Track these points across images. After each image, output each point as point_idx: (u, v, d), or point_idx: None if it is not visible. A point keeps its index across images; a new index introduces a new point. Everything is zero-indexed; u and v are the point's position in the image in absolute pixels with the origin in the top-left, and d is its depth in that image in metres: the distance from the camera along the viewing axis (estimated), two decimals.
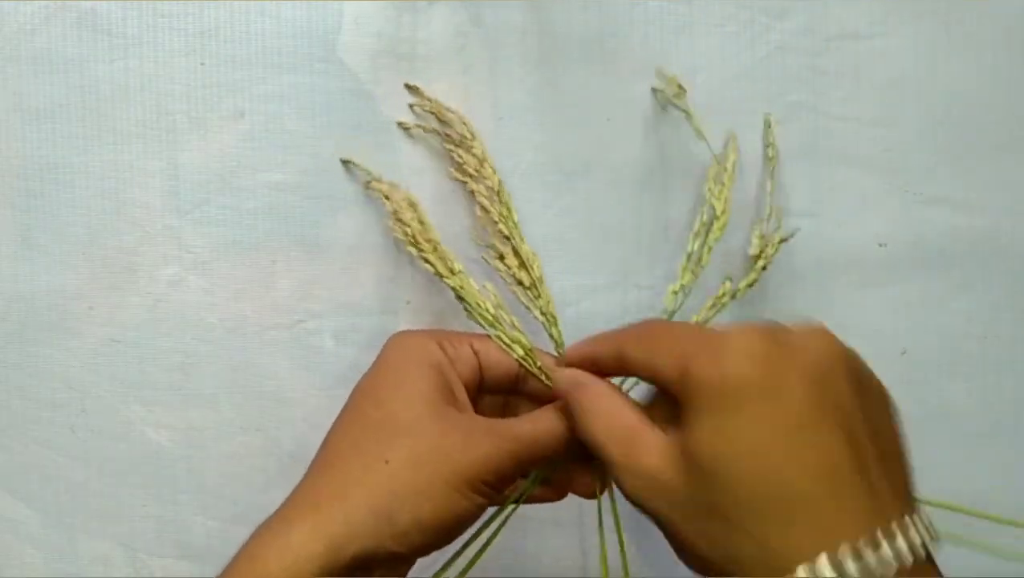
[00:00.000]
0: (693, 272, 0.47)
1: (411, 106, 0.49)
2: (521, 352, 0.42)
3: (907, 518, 0.29)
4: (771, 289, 0.51)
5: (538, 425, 0.37)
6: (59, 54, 0.48)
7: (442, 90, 0.50)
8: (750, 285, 0.48)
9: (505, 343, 0.42)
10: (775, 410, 0.29)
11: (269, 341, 0.50)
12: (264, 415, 0.50)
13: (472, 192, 0.47)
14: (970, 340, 0.52)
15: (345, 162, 0.48)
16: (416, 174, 0.50)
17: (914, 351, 0.52)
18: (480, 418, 0.39)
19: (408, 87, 0.48)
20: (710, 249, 0.47)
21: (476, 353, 0.41)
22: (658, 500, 0.31)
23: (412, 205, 0.47)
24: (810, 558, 0.27)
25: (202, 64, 0.49)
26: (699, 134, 0.49)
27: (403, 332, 0.42)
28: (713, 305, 0.47)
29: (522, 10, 0.50)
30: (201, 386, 0.50)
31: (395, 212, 0.46)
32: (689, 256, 0.47)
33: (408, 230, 0.45)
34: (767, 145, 0.50)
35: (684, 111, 0.48)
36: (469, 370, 0.40)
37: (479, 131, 0.50)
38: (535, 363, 0.42)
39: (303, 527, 0.36)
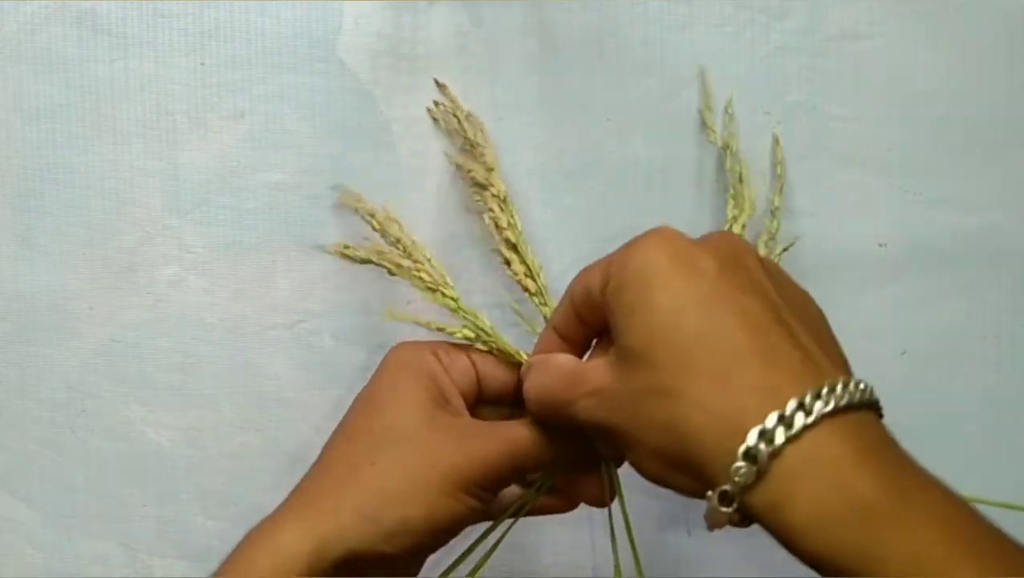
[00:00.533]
0: None
1: (436, 103, 0.49)
2: (518, 360, 0.42)
3: (850, 379, 0.29)
4: None
5: (531, 427, 0.37)
6: (59, 54, 0.48)
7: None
8: None
9: (503, 353, 0.42)
10: (690, 284, 0.30)
11: (269, 341, 0.50)
12: (264, 415, 0.50)
13: (480, 200, 0.47)
14: (970, 340, 0.52)
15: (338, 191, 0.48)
16: (416, 174, 0.50)
17: (914, 351, 0.52)
18: (473, 421, 0.39)
19: (437, 83, 0.48)
20: None
21: (474, 363, 0.41)
22: (607, 409, 0.32)
23: (396, 222, 0.47)
24: (758, 419, 0.27)
25: (202, 64, 0.49)
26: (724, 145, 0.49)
27: (401, 343, 0.42)
28: None
29: (522, 10, 0.50)
30: (201, 386, 0.50)
31: (382, 232, 0.46)
32: None
33: (397, 251, 0.45)
34: (776, 163, 0.50)
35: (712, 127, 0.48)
36: (466, 379, 0.40)
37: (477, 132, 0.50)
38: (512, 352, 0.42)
39: (292, 528, 0.36)
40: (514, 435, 0.37)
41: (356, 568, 0.35)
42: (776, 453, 0.27)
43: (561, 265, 0.51)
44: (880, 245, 0.52)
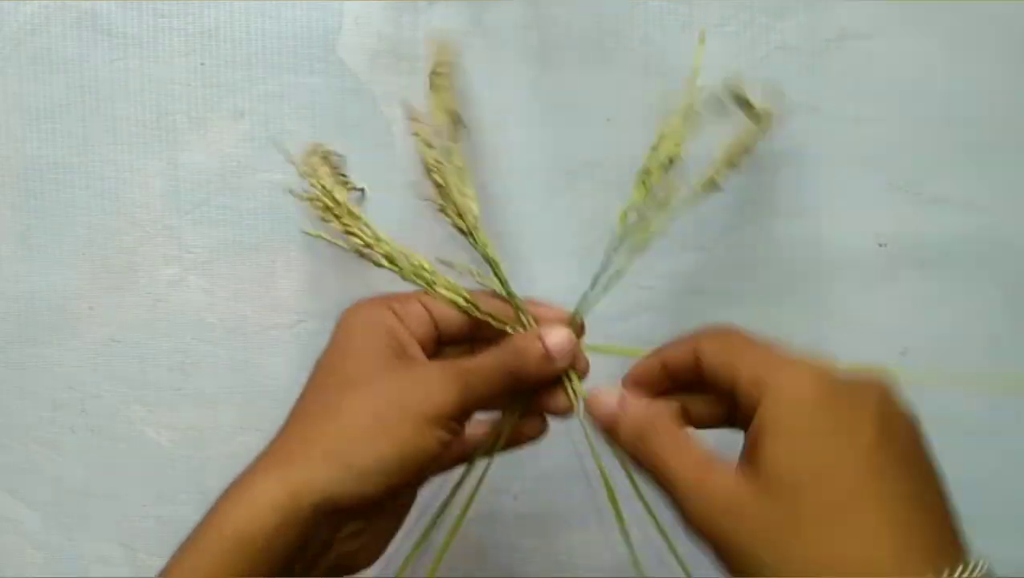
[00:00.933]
0: (645, 185, 0.44)
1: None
2: (462, 301, 0.42)
3: (969, 566, 0.30)
4: (771, 289, 0.51)
5: (487, 357, 0.38)
6: (59, 54, 0.48)
7: None
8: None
9: (446, 295, 0.42)
10: (848, 439, 0.31)
11: (269, 341, 0.50)
12: (264, 415, 0.50)
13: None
14: (970, 340, 0.52)
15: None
16: (415, 172, 0.50)
17: (914, 351, 0.52)
18: (432, 362, 0.40)
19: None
20: (664, 167, 0.45)
21: (427, 308, 0.41)
22: (727, 519, 0.31)
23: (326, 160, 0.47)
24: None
25: (202, 64, 0.49)
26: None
27: (356, 302, 0.42)
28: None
29: (522, 10, 0.50)
30: (201, 386, 0.50)
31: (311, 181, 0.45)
32: (642, 173, 0.44)
33: (326, 204, 0.45)
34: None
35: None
36: (423, 326, 0.41)
37: (478, 131, 0.50)
38: (478, 308, 0.42)
39: (264, 478, 0.36)
40: (472, 365, 0.38)
41: (335, 514, 0.36)
42: None
43: (560, 264, 0.51)
44: (880, 245, 0.52)
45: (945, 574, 0.29)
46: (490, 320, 0.42)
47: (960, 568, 0.29)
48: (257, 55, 0.49)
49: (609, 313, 0.51)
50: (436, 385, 0.37)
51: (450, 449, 0.38)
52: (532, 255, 0.51)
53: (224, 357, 0.50)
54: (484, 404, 0.38)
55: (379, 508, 0.37)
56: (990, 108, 0.52)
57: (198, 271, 0.49)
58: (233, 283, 0.50)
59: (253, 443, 0.50)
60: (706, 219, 0.51)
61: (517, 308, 0.43)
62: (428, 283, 0.43)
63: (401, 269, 0.44)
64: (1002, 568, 0.53)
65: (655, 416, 0.35)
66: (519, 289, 0.50)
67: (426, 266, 0.44)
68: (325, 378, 0.39)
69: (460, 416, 0.38)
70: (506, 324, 0.42)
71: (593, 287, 0.43)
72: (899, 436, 0.32)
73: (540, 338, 0.39)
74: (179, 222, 0.49)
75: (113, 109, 0.49)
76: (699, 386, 0.36)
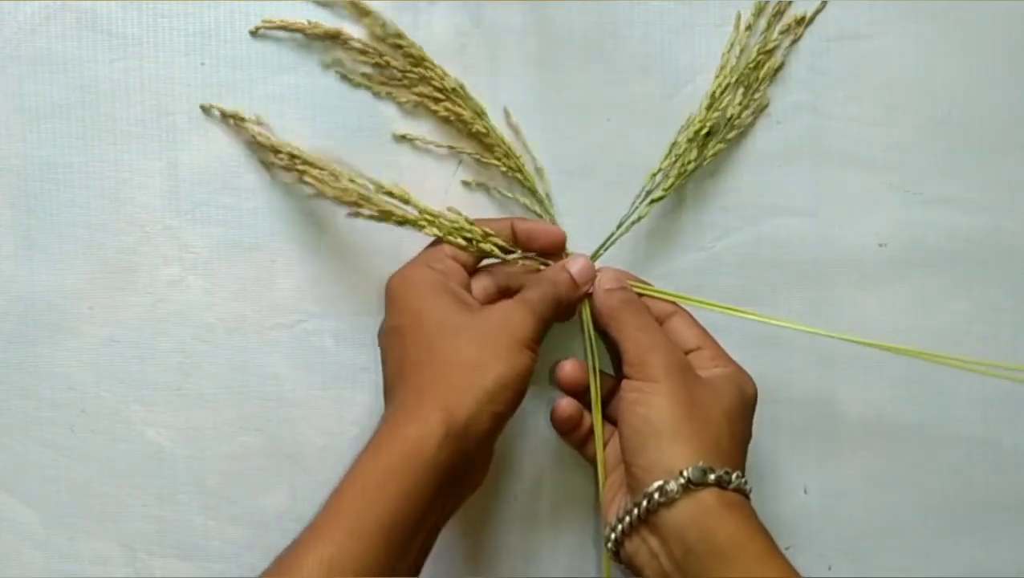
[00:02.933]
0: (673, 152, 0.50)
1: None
2: (486, 244, 0.47)
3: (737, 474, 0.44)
4: (771, 289, 0.51)
5: (536, 290, 0.46)
6: (59, 54, 0.48)
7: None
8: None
9: (469, 241, 0.47)
10: (747, 413, 0.47)
11: (269, 341, 0.50)
12: (264, 415, 0.50)
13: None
14: (970, 340, 0.52)
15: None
16: (417, 174, 0.50)
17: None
18: (504, 301, 0.46)
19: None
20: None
21: (455, 259, 0.47)
22: (675, 369, 0.45)
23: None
24: (718, 464, 0.43)
25: (202, 64, 0.49)
26: None
27: (398, 273, 0.47)
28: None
29: (522, 10, 0.50)
30: (201, 386, 0.50)
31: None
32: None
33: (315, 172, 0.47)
34: None
35: None
36: (458, 275, 0.47)
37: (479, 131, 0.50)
38: (497, 247, 0.48)
39: (423, 406, 0.42)
40: (530, 297, 0.46)
41: (478, 433, 0.42)
42: (699, 484, 0.42)
43: None
44: (880, 245, 0.52)
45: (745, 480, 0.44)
46: (522, 261, 0.48)
47: (730, 473, 0.43)
48: (257, 55, 0.49)
49: None
50: (519, 316, 0.44)
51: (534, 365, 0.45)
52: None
53: (224, 357, 0.50)
54: (545, 327, 0.46)
55: (500, 430, 0.44)
56: (990, 108, 0.52)
57: (198, 271, 0.49)
58: (233, 283, 0.50)
59: (253, 443, 0.50)
60: (706, 219, 0.51)
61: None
62: (448, 232, 0.47)
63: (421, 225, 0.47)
64: (1002, 568, 0.53)
65: (635, 299, 0.48)
66: None
67: (448, 217, 0.48)
68: (414, 337, 0.44)
69: (538, 339, 0.45)
70: (537, 263, 0.48)
71: (618, 228, 0.50)
72: (749, 410, 0.47)
73: (565, 268, 0.48)
74: (179, 222, 0.49)
75: (113, 109, 0.49)
76: None
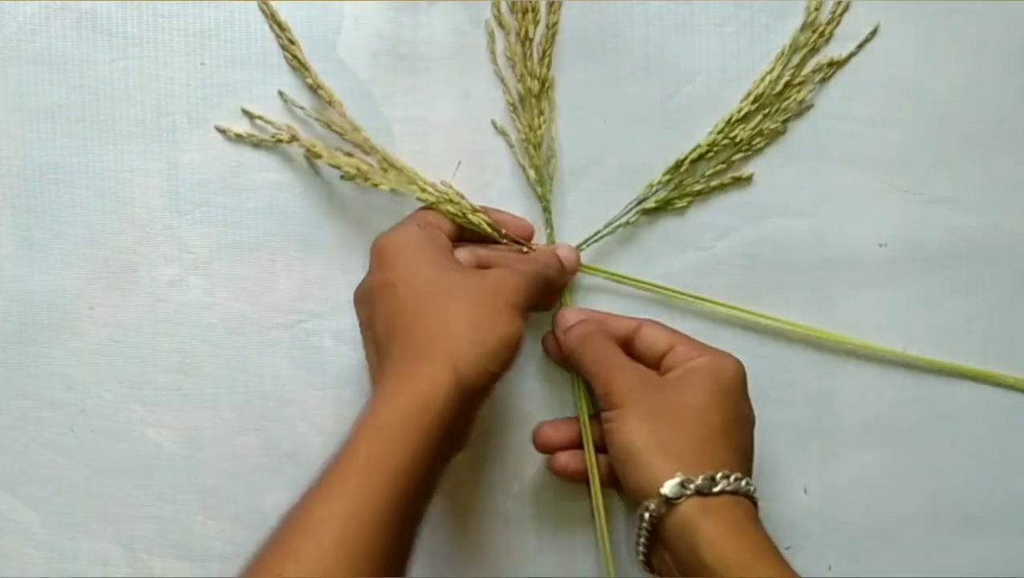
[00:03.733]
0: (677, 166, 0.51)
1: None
2: (475, 217, 0.48)
3: (737, 474, 0.44)
4: (771, 289, 0.51)
5: (526, 265, 0.47)
6: (59, 54, 0.48)
7: (442, 90, 0.50)
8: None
9: (460, 213, 0.48)
10: (729, 401, 0.46)
11: (269, 341, 0.50)
12: (264, 415, 0.50)
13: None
14: (970, 340, 0.52)
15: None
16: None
17: (914, 351, 0.52)
18: (496, 268, 0.47)
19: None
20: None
21: (439, 226, 0.47)
22: (643, 390, 0.45)
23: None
24: (712, 468, 0.43)
25: (202, 64, 0.49)
26: None
27: (385, 234, 0.46)
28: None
29: (522, 10, 0.50)
30: (201, 386, 0.50)
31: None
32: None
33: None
34: None
35: None
36: (446, 241, 0.47)
37: (479, 131, 0.50)
38: (485, 222, 0.48)
39: (431, 363, 0.41)
40: (523, 269, 0.46)
41: (480, 389, 0.42)
42: (700, 492, 0.43)
43: None
44: (880, 245, 0.52)
45: (748, 479, 0.44)
46: (491, 232, 0.48)
47: (740, 474, 0.44)
48: (257, 55, 0.49)
49: (610, 311, 0.51)
50: (511, 282, 0.44)
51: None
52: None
53: (224, 357, 0.50)
54: (531, 304, 0.46)
55: (490, 393, 0.44)
56: (990, 108, 0.52)
57: (198, 271, 0.49)
58: (233, 283, 0.50)
59: (253, 443, 0.50)
60: (706, 219, 0.51)
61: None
62: (444, 200, 0.47)
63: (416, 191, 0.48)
64: (1002, 568, 0.53)
65: (596, 329, 0.48)
66: None
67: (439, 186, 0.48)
68: (409, 290, 0.43)
69: (528, 308, 0.45)
70: (520, 247, 0.49)
71: (605, 227, 0.51)
72: (751, 426, 0.47)
73: (554, 252, 0.49)
74: (179, 222, 0.49)
75: (113, 109, 0.49)
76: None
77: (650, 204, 0.50)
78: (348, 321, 0.50)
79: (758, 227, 0.51)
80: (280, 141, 0.48)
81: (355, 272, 0.50)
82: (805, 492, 0.52)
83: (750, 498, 0.44)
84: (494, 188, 0.50)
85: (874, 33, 0.51)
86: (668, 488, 0.42)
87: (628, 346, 0.48)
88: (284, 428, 0.50)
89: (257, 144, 0.49)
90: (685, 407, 0.45)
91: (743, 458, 0.46)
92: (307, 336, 0.50)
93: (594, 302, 0.51)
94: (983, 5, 0.52)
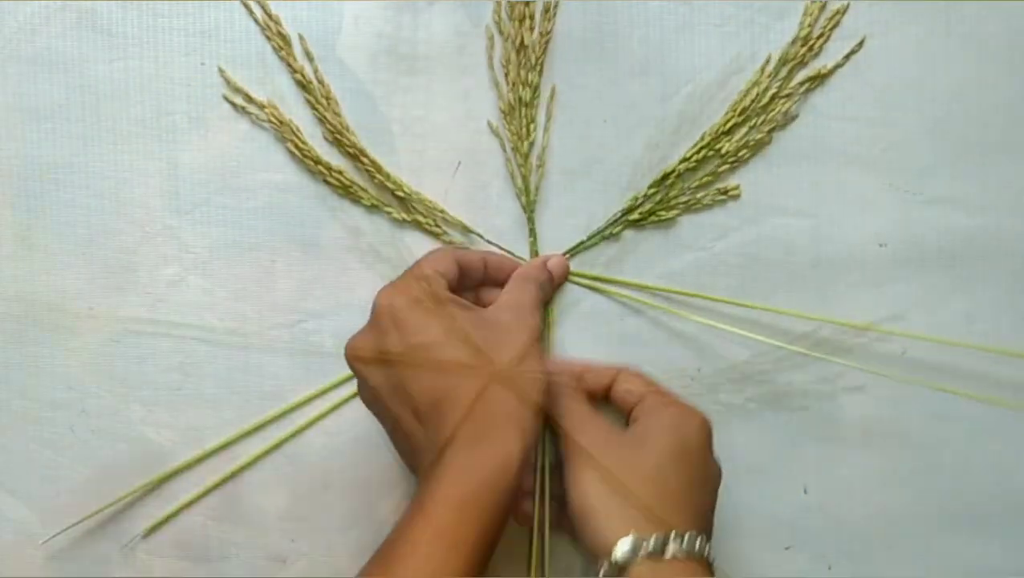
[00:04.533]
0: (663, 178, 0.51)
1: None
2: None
3: (688, 532, 0.42)
4: (771, 289, 0.51)
5: (533, 281, 0.48)
6: (59, 54, 0.48)
7: (441, 90, 0.50)
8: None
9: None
10: (690, 460, 0.45)
11: (269, 341, 0.50)
12: (263, 415, 0.50)
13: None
14: (970, 339, 0.52)
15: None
16: (416, 173, 0.50)
17: (914, 350, 0.52)
18: (499, 293, 0.48)
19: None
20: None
21: (439, 272, 0.46)
22: (598, 439, 0.45)
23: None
24: (664, 529, 0.42)
25: (202, 64, 0.49)
26: None
27: (388, 292, 0.44)
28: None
29: (521, 10, 0.50)
30: (201, 386, 0.50)
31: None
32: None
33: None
34: None
35: None
36: (447, 286, 0.46)
37: (477, 131, 0.50)
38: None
39: (493, 441, 0.42)
40: (528, 300, 0.47)
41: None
42: (651, 555, 0.41)
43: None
44: (880, 245, 0.52)
45: (703, 538, 0.43)
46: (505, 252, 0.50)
47: (695, 534, 0.42)
48: (256, 55, 0.49)
49: (610, 312, 0.51)
50: (523, 293, 0.46)
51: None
52: (532, 255, 0.51)
53: (224, 357, 0.50)
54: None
55: None
56: (990, 109, 0.52)
57: (198, 271, 0.49)
58: (233, 283, 0.50)
59: (252, 443, 0.50)
60: (706, 219, 0.51)
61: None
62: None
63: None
64: (1002, 568, 0.53)
65: (568, 381, 0.48)
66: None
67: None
68: (435, 361, 0.43)
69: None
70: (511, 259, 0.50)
71: (588, 238, 0.51)
72: (715, 488, 0.46)
73: (545, 263, 0.50)
74: (179, 222, 0.49)
75: (113, 109, 0.49)
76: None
77: (635, 216, 0.51)
78: (348, 321, 0.50)
79: (758, 227, 0.51)
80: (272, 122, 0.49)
81: (355, 272, 0.50)
82: (805, 492, 0.52)
83: (706, 560, 0.43)
84: (493, 188, 0.51)
85: (860, 45, 0.51)
86: (619, 553, 0.41)
87: (607, 395, 0.49)
88: (283, 428, 0.50)
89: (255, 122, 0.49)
90: (644, 465, 0.44)
91: (701, 518, 0.45)
92: (307, 336, 0.50)
93: (593, 303, 0.51)
94: (982, 5, 0.52)
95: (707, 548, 0.43)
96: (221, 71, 0.49)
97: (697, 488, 0.45)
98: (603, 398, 0.49)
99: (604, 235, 0.51)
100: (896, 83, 0.52)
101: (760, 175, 0.51)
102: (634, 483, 0.43)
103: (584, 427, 0.46)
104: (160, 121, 0.49)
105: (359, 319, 0.50)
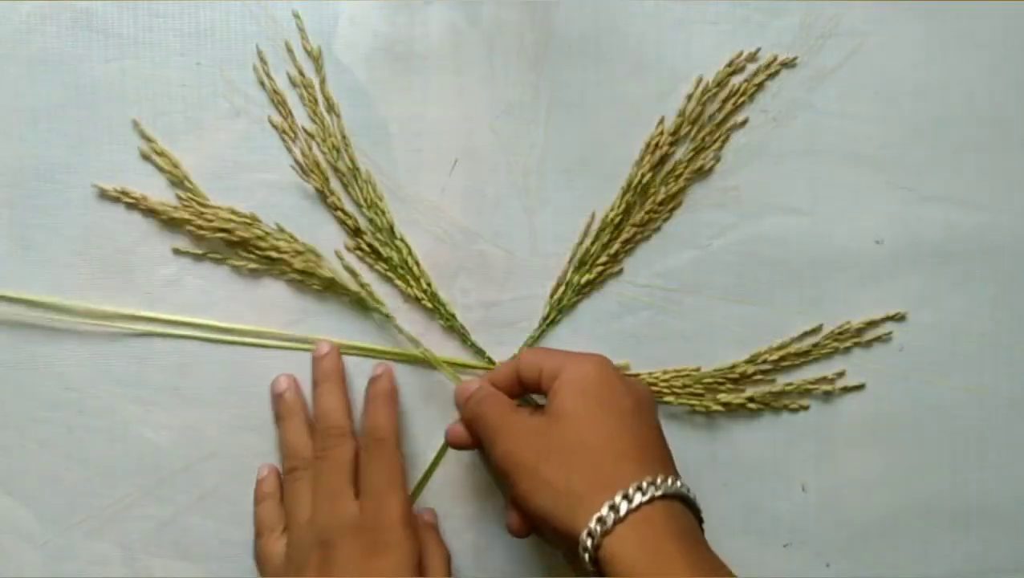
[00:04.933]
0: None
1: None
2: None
3: (666, 477, 0.41)
4: (768, 287, 0.51)
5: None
6: (56, 54, 0.48)
7: (438, 89, 0.50)
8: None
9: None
10: (615, 401, 0.44)
11: (266, 341, 0.50)
12: (261, 415, 0.50)
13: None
14: (968, 337, 0.52)
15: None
16: (413, 173, 0.50)
17: (912, 348, 0.52)
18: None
19: None
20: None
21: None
22: (521, 439, 0.44)
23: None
24: (597, 507, 0.40)
25: (198, 64, 0.49)
26: None
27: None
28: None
29: (518, 9, 0.50)
30: (198, 386, 0.50)
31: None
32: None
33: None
34: None
35: None
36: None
37: (476, 129, 0.50)
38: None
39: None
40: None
41: None
42: (607, 531, 0.40)
43: (558, 263, 0.51)
44: (877, 242, 0.52)
45: (648, 480, 0.41)
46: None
47: (661, 478, 0.41)
48: (252, 55, 0.49)
49: (608, 311, 0.51)
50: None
51: None
52: (529, 254, 0.51)
53: (221, 357, 0.50)
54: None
55: None
56: (987, 106, 0.52)
57: (195, 271, 0.49)
58: (230, 283, 0.50)
59: (250, 443, 0.50)
60: (703, 217, 0.51)
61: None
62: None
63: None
64: (999, 566, 0.53)
65: (488, 392, 0.47)
66: (520, 286, 0.50)
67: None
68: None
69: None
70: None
71: (539, 327, 0.51)
72: (646, 411, 0.45)
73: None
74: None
75: (110, 109, 0.49)
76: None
77: (555, 314, 0.51)
78: (345, 320, 0.50)
79: (755, 225, 0.51)
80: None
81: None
82: (803, 490, 0.52)
83: (679, 493, 0.41)
84: (491, 186, 0.50)
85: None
86: (585, 543, 0.40)
87: (524, 385, 0.47)
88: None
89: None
90: (566, 441, 0.43)
91: (637, 459, 0.42)
92: (304, 335, 0.50)
93: (591, 303, 0.51)
94: (981, 4, 0.52)
95: (669, 482, 0.41)
96: (222, 71, 0.49)
97: (624, 430, 0.43)
98: (521, 391, 0.47)
99: (548, 321, 0.51)
100: (894, 80, 0.51)
101: (758, 173, 0.51)
102: (566, 464, 0.42)
103: (502, 432, 0.44)
104: (156, 121, 0.49)
105: (358, 318, 0.50)
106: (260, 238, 0.49)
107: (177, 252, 0.49)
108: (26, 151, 0.48)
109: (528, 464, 0.43)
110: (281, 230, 0.49)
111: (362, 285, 0.50)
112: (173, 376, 0.50)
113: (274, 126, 0.49)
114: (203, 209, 0.49)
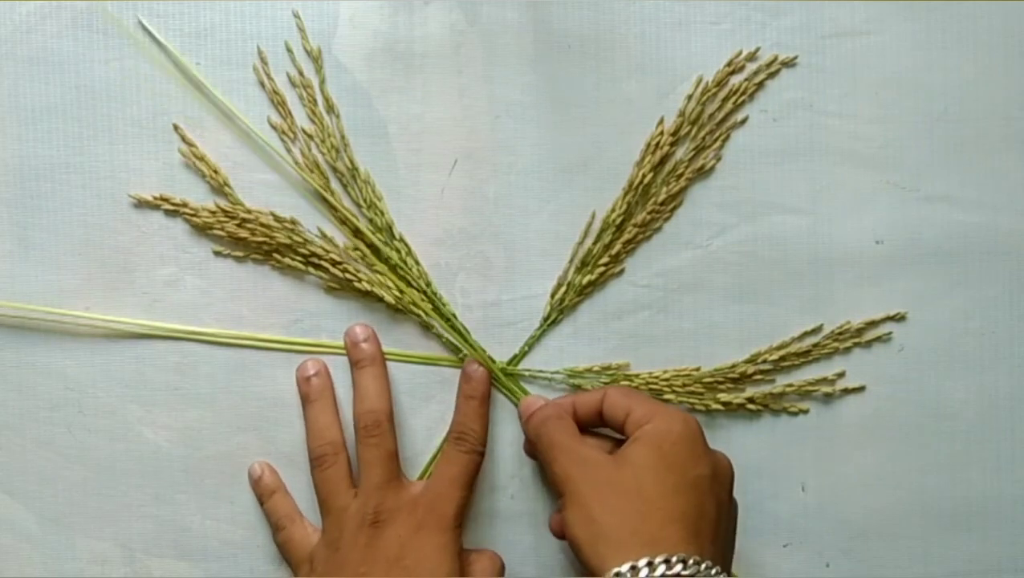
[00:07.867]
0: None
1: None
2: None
3: (709, 564, 0.41)
4: (768, 286, 0.51)
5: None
6: (55, 54, 0.48)
7: (438, 89, 0.50)
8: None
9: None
10: (688, 463, 0.44)
11: (266, 341, 0.50)
12: (260, 415, 0.50)
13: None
14: (968, 337, 0.52)
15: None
16: (412, 172, 0.50)
17: (911, 348, 0.52)
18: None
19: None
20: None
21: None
22: (584, 470, 0.44)
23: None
24: (647, 552, 0.41)
25: (198, 64, 0.49)
26: None
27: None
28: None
29: (518, 8, 0.50)
30: (198, 386, 0.50)
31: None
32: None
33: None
34: None
35: None
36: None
37: (475, 129, 0.50)
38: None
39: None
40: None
41: None
42: None
43: (557, 262, 0.51)
44: (877, 242, 0.52)
45: (680, 556, 0.41)
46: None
47: (695, 560, 0.41)
48: (252, 55, 0.49)
49: (607, 311, 0.51)
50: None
51: None
52: (529, 253, 0.51)
53: (221, 357, 0.50)
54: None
55: None
56: (987, 105, 0.52)
57: (195, 271, 0.49)
58: (229, 283, 0.50)
59: (250, 443, 0.50)
60: (703, 217, 0.51)
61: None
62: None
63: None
64: (999, 566, 0.53)
65: (556, 414, 0.48)
66: (520, 286, 0.50)
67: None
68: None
69: None
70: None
71: (526, 341, 0.51)
72: (719, 486, 0.45)
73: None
74: (176, 222, 0.49)
75: (109, 109, 0.49)
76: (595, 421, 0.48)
77: (555, 314, 0.51)
78: (345, 321, 0.50)
79: (755, 224, 0.51)
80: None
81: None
82: (803, 489, 0.52)
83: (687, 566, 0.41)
84: (491, 186, 0.50)
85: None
86: None
87: (604, 421, 0.47)
88: (280, 428, 0.50)
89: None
90: (625, 485, 0.43)
91: (688, 527, 0.42)
92: (303, 335, 0.50)
93: (591, 303, 0.51)
94: (980, 4, 0.52)
95: (702, 567, 0.41)
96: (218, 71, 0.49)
97: (682, 496, 0.43)
98: (598, 423, 0.48)
99: (545, 327, 0.51)
100: (893, 80, 0.51)
101: (758, 173, 0.51)
102: (616, 506, 0.43)
103: (564, 455, 0.45)
104: (156, 121, 0.49)
105: (356, 318, 0.50)
106: (300, 244, 0.49)
107: (218, 254, 0.49)
108: (26, 150, 0.48)
109: (582, 494, 0.43)
110: (323, 236, 0.49)
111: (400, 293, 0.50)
112: (172, 376, 0.50)
113: (273, 127, 0.49)
114: (245, 215, 0.49)
